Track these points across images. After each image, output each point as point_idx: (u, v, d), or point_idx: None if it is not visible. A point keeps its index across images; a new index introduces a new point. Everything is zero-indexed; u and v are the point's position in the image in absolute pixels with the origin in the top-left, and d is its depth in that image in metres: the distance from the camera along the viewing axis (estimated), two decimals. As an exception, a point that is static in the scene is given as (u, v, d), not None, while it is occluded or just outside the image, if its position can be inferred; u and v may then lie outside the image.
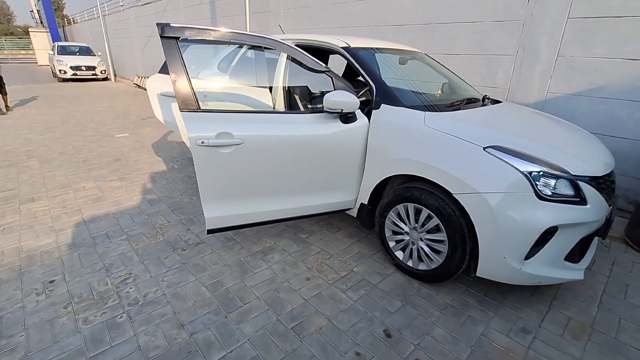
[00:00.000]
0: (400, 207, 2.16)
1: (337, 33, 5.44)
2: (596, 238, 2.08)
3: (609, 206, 1.92)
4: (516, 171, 1.71)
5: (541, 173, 1.71)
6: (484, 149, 1.80)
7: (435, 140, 1.95)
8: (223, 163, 1.92)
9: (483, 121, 2.13)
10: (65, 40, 23.03)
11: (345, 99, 2.05)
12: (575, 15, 3.15)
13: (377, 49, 2.78)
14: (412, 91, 2.42)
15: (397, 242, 2.27)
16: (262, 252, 2.50)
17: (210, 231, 2.11)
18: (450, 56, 4.06)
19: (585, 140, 2.24)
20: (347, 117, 2.17)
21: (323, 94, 2.16)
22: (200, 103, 1.86)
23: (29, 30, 21.36)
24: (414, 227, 2.13)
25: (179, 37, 1.83)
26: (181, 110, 1.82)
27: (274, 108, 2.41)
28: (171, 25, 1.80)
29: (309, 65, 2.16)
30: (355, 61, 2.39)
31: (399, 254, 2.28)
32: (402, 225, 2.20)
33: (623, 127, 3.08)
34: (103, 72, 14.26)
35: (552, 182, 1.72)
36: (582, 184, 1.75)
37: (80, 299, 1.99)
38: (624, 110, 3.05)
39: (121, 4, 13.97)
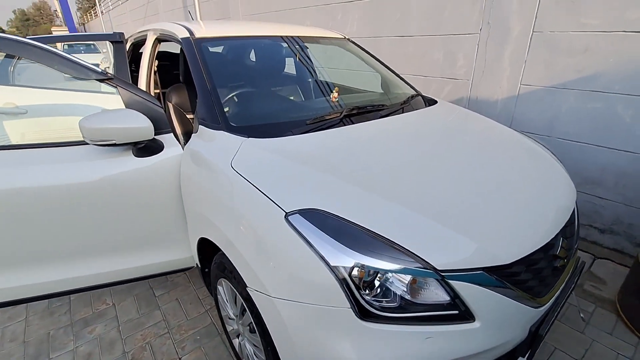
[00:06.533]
0: (222, 282, 1.44)
1: (281, 18, 4.62)
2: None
3: (543, 304, 1.08)
4: (322, 265, 0.93)
5: (373, 272, 0.91)
6: (287, 215, 1.02)
7: (234, 195, 1.19)
8: None
9: (336, 152, 1.32)
10: (86, 37, 23.47)
11: (118, 123, 1.31)
12: (559, -29, 2.15)
13: (255, 37, 2.02)
14: (263, 99, 1.65)
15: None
16: (85, 320, 1.89)
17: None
18: (403, 39, 3.14)
19: (523, 175, 1.36)
20: (140, 149, 1.45)
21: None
22: None
23: (51, 29, 21.99)
24: (236, 315, 1.41)
25: None
26: None
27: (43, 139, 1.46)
28: None
29: (76, 74, 1.43)
30: (188, 58, 1.66)
31: (236, 343, 1.57)
32: (227, 307, 1.48)
33: (626, 134, 2.08)
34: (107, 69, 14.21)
35: (398, 284, 0.93)
36: (460, 286, 0.93)
37: None
38: (628, 109, 2.05)
39: (120, -2, 13.75)
